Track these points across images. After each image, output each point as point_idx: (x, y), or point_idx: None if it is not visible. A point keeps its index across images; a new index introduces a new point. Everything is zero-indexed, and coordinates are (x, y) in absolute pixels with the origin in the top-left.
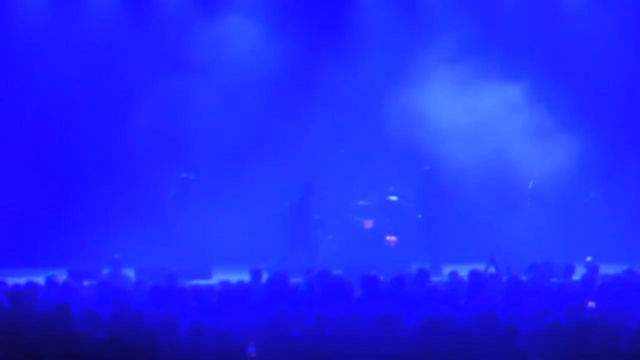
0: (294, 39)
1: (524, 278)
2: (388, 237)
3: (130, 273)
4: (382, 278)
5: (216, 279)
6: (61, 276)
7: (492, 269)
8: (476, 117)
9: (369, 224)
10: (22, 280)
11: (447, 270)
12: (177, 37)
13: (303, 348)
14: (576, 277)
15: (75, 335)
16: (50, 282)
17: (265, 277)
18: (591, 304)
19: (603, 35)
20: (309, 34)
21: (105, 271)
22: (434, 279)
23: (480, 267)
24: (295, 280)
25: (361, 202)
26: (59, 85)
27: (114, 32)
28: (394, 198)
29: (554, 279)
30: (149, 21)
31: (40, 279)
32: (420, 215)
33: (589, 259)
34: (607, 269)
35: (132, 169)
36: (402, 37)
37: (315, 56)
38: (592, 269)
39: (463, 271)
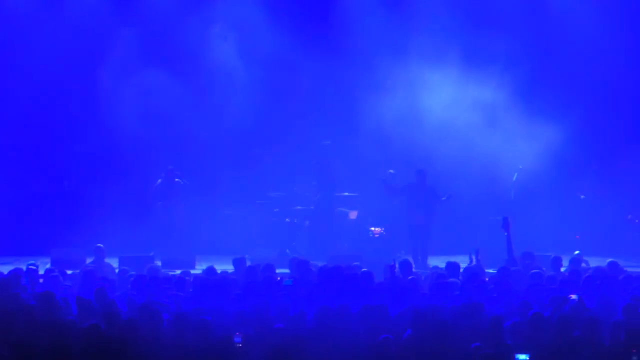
0: (285, 32)
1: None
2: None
3: (113, 262)
4: (364, 269)
5: (200, 269)
6: (45, 265)
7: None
8: (460, 113)
9: (353, 214)
10: (6, 269)
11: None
12: (166, 28)
13: (288, 338)
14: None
15: (58, 322)
16: (30, 271)
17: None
18: (573, 296)
19: (588, 31)
20: (300, 28)
21: (89, 260)
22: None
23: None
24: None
25: (346, 193)
26: (44, 76)
27: (103, 23)
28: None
29: (535, 270)
30: (139, 11)
31: (24, 268)
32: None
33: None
34: (591, 262)
35: (116, 160)
36: (390, 33)
37: (303, 48)
38: (576, 261)
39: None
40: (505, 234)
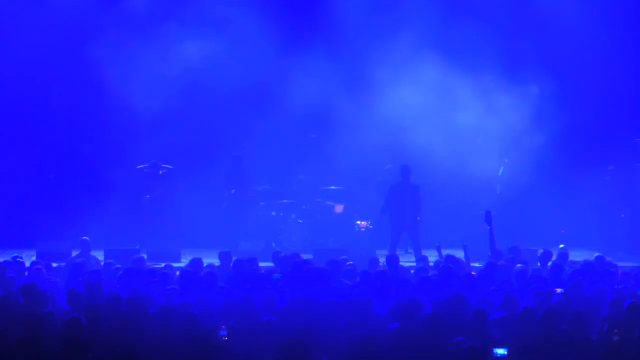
0: (272, 29)
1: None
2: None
3: (99, 255)
4: (350, 262)
5: (186, 262)
6: (30, 257)
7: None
8: (444, 108)
9: (339, 208)
10: None
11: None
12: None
13: (274, 332)
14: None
15: (39, 315)
16: (17, 263)
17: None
18: (559, 290)
19: (576, 33)
20: (289, 27)
21: (74, 253)
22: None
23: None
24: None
25: (332, 187)
26: (29, 66)
27: (86, 17)
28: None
29: (520, 265)
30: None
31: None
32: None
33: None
34: (577, 256)
35: (102, 151)
36: (374, 26)
37: (288, 43)
38: (562, 256)
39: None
40: (488, 227)
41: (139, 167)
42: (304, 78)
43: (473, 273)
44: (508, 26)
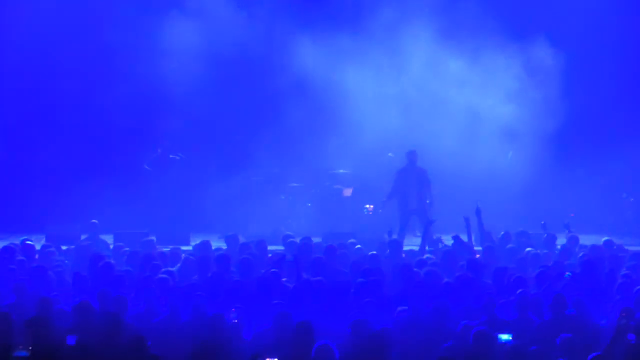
0: (289, 9)
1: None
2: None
3: (108, 239)
4: (359, 246)
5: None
6: (39, 241)
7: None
8: (452, 92)
9: (348, 191)
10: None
11: None
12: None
13: (282, 315)
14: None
15: (47, 299)
16: (26, 246)
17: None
18: (567, 274)
19: (574, 28)
20: (303, 6)
21: (83, 236)
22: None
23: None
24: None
25: (341, 170)
26: (36, 50)
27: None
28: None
29: (529, 249)
30: None
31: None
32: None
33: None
34: (586, 240)
35: (111, 135)
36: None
37: (301, 25)
38: (572, 240)
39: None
40: (476, 219)
41: (146, 167)
42: (313, 59)
43: (477, 256)
44: (522, 9)
